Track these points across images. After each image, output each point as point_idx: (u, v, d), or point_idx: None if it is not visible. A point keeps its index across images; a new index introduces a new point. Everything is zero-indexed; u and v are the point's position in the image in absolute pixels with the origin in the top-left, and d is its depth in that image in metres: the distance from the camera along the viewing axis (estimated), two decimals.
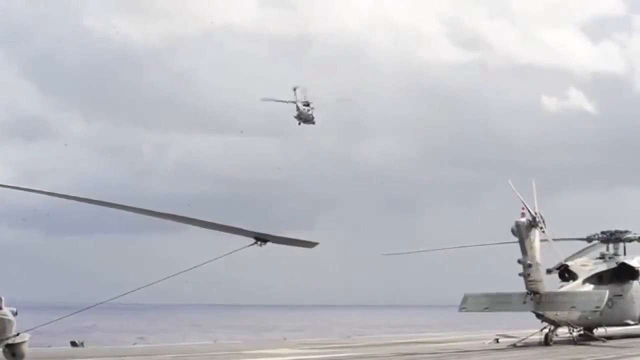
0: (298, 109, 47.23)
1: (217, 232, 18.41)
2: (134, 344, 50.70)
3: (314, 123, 48.24)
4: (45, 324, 22.17)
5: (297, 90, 47.62)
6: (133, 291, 19.27)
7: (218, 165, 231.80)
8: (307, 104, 47.51)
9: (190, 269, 18.47)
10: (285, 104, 48.76)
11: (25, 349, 26.88)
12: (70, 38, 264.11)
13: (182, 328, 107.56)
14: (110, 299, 20.47)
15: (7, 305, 25.97)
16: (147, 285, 18.97)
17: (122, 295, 19.78)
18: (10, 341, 25.92)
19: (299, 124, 48.37)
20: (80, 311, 22.16)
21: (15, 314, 26.55)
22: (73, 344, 44.40)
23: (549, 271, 43.58)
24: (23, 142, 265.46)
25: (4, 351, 26.15)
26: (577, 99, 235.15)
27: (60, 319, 21.99)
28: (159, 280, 18.73)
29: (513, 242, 41.52)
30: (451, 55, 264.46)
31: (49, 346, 41.62)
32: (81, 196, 19.22)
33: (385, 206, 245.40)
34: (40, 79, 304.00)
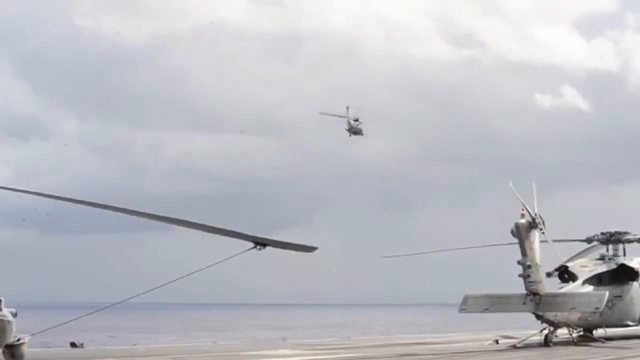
0: (349, 123, 55.80)
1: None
2: (134, 344, 50.69)
3: (362, 134, 56.58)
4: (52, 327, 22.14)
5: (349, 109, 56.75)
6: (136, 296, 19.28)
7: (214, 164, 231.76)
8: (356, 120, 56.32)
9: (193, 273, 18.43)
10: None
11: (25, 350, 26.91)
12: (63, 37, 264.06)
13: (168, 327, 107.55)
14: (122, 301, 20.43)
15: (6, 307, 25.97)
16: (151, 290, 18.95)
17: (126, 299, 19.76)
18: (9, 342, 25.92)
19: (350, 135, 56.96)
20: (68, 318, 22.07)
21: (15, 315, 26.56)
22: (73, 345, 44.41)
23: (548, 274, 43.54)
24: (18, 142, 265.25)
25: (3, 352, 26.17)
26: (571, 97, 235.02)
27: (66, 322, 21.96)
28: (165, 284, 18.72)
29: (513, 244, 41.52)
30: (444, 53, 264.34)
31: (48, 347, 41.61)
32: (78, 198, 19.16)
33: (381, 204, 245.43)
34: (33, 78, 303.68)
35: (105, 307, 20.94)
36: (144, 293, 19.64)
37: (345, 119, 56.77)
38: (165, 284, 18.66)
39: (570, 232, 49.05)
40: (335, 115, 56.71)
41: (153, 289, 19.14)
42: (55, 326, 22.08)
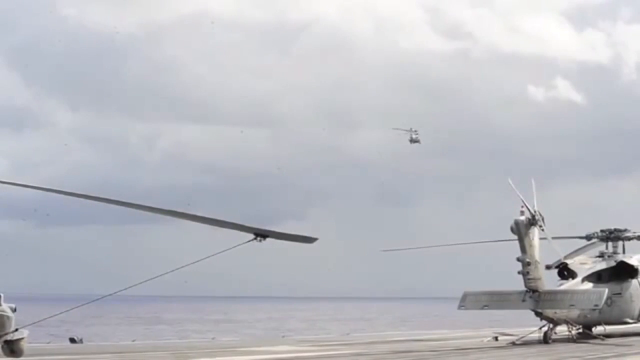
0: (411, 137, 71.66)
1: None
2: (133, 340, 50.75)
3: (420, 143, 72.57)
4: (45, 319, 22.12)
5: (412, 129, 72.80)
6: (133, 286, 19.22)
7: (209, 155, 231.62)
8: (416, 132, 72.04)
9: (191, 264, 18.39)
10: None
11: (24, 345, 26.81)
12: (56, 29, 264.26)
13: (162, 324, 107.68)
14: (115, 292, 20.32)
15: (5, 302, 25.92)
16: (146, 280, 18.90)
17: (125, 289, 19.67)
18: (8, 337, 25.85)
19: (411, 143, 72.26)
20: (66, 309, 22.02)
21: (14, 310, 26.51)
22: (72, 340, 44.48)
23: (548, 267, 43.62)
24: (11, 133, 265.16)
25: (2, 347, 26.10)
26: (565, 89, 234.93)
27: (61, 313, 21.94)
28: (160, 275, 18.65)
29: (512, 240, 41.55)
30: (435, 45, 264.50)
31: (48, 342, 41.66)
32: (77, 192, 19.05)
33: (375, 196, 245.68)
34: (25, 69, 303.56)
35: (84, 304, 20.86)
36: (125, 289, 19.55)
37: (409, 134, 71.92)
38: (162, 275, 18.62)
39: (567, 226, 49.12)
40: (404, 130, 72.45)
41: (136, 285, 19.09)
42: (33, 323, 22.07)
